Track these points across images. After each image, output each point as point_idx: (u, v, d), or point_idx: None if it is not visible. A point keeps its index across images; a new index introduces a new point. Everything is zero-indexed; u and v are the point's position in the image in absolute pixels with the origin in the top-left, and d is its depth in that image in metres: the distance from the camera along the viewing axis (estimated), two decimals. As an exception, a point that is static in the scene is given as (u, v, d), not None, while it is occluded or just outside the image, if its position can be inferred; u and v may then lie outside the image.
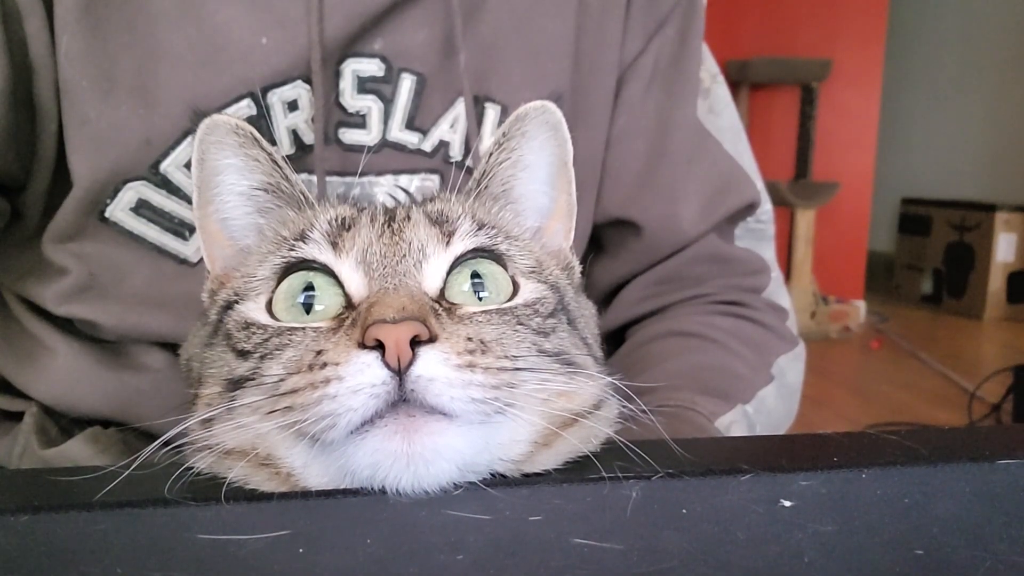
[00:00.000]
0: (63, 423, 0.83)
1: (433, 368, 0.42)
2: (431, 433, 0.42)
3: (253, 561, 0.39)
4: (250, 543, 0.39)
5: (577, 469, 0.46)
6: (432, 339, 0.42)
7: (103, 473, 0.43)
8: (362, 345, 0.42)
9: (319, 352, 0.43)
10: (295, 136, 0.81)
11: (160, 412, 0.49)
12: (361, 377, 0.41)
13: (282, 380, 0.44)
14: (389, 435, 0.41)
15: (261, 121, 0.78)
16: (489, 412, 0.43)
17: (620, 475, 0.42)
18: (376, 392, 0.41)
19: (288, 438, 0.44)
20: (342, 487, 0.43)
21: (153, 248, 0.79)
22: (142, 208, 0.77)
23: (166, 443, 0.49)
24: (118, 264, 0.79)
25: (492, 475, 0.45)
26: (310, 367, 0.43)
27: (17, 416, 0.83)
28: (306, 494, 0.42)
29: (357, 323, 0.43)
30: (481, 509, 0.41)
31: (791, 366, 0.94)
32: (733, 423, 0.78)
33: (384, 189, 0.84)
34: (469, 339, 0.44)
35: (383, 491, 0.41)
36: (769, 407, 0.87)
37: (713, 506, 0.42)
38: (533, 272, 0.54)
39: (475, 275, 0.51)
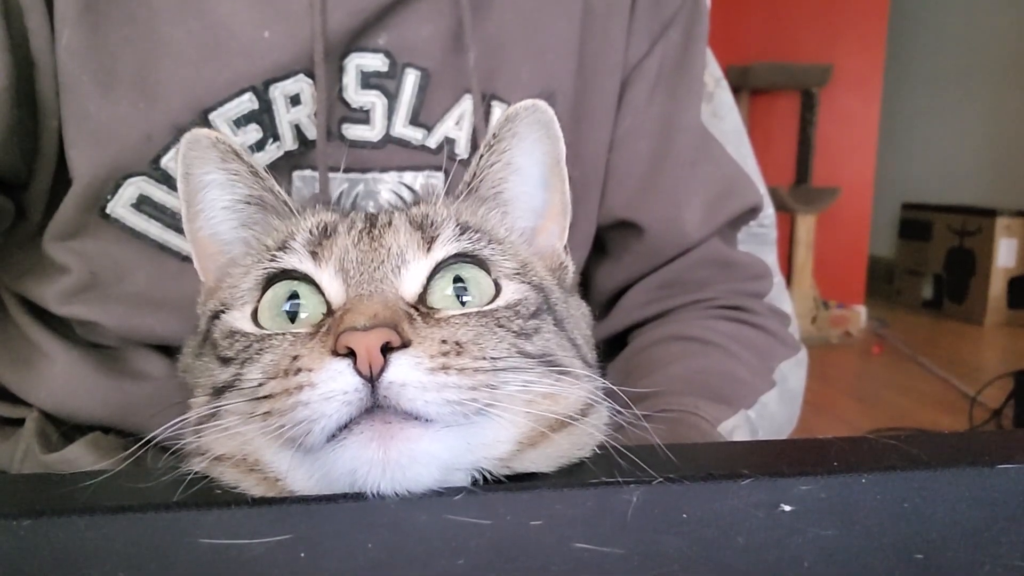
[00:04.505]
0: (64, 428, 0.82)
1: (405, 373, 0.42)
2: (406, 440, 0.42)
3: (255, 565, 0.39)
4: (252, 547, 0.39)
5: (577, 474, 0.46)
6: (405, 345, 0.42)
7: (104, 478, 0.43)
8: (335, 353, 0.42)
9: (295, 358, 0.43)
10: (298, 131, 0.80)
11: (160, 420, 0.49)
12: (333, 384, 0.41)
13: (261, 384, 0.44)
14: (365, 442, 0.41)
15: (263, 115, 0.78)
16: (467, 413, 0.43)
17: (620, 480, 0.42)
18: (349, 399, 0.41)
19: (272, 443, 0.44)
20: (329, 492, 0.43)
21: (155, 245, 0.78)
22: (143, 204, 0.77)
23: (165, 449, 0.49)
24: (120, 262, 0.78)
25: (489, 479, 0.45)
26: (285, 372, 0.43)
27: (18, 421, 0.83)
28: (307, 498, 0.43)
29: (331, 330, 0.43)
30: (481, 514, 0.41)
31: (793, 371, 0.93)
32: (736, 428, 0.78)
33: (388, 186, 0.84)
34: (443, 341, 0.44)
35: (384, 496, 0.41)
36: (771, 412, 0.87)
37: (713, 511, 0.42)
38: (517, 274, 0.54)
39: (458, 279, 0.51)
